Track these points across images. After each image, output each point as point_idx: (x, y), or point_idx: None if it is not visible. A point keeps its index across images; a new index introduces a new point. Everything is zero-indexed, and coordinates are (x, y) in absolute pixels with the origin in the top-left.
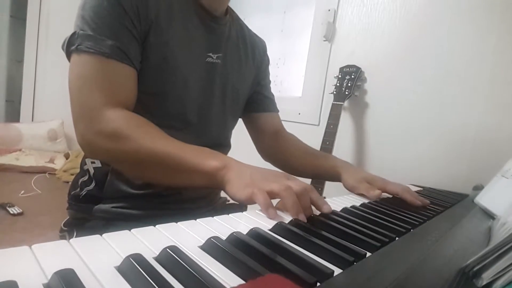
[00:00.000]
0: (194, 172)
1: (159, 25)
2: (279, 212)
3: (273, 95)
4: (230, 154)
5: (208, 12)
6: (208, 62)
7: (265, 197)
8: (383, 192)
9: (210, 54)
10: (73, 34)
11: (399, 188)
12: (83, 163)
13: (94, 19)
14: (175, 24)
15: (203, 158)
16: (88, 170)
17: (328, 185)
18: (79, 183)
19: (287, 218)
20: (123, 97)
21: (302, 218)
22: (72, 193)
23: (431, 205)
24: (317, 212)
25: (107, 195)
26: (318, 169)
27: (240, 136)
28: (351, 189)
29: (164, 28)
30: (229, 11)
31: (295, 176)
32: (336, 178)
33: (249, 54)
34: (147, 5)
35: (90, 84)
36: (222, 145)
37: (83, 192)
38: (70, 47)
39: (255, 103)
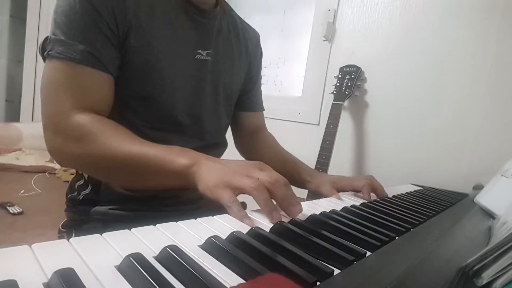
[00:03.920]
0: (164, 172)
1: (139, 26)
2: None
3: (261, 92)
4: (227, 152)
5: (195, 6)
6: (197, 60)
7: (229, 195)
8: (352, 190)
9: (199, 50)
10: (46, 39)
11: (363, 182)
12: None
13: (66, 23)
14: (157, 23)
15: (172, 157)
16: (82, 174)
17: None
18: (76, 186)
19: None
20: (94, 103)
21: (277, 216)
22: (69, 196)
23: (431, 204)
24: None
25: (103, 198)
26: (285, 174)
27: None
28: (314, 191)
29: (145, 28)
30: (220, 3)
31: (269, 166)
32: (300, 184)
33: (242, 48)
34: (124, 6)
35: (58, 90)
36: (218, 144)
37: (81, 196)
38: (43, 52)
39: (243, 101)
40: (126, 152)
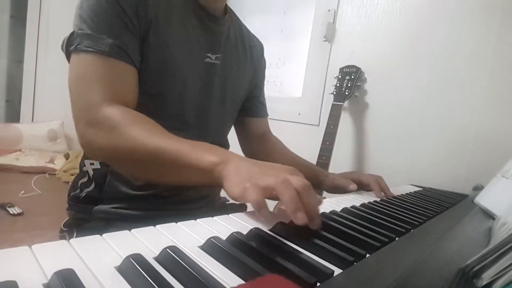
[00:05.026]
0: (191, 168)
1: (158, 25)
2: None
3: (265, 99)
4: None
5: (206, 12)
6: (207, 63)
7: (257, 194)
8: (358, 184)
9: (209, 54)
10: (72, 33)
11: (371, 178)
12: (82, 165)
13: (92, 18)
14: (174, 24)
15: (201, 154)
16: (87, 171)
17: None
18: (79, 184)
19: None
20: (123, 95)
21: (302, 217)
22: (72, 194)
23: (431, 205)
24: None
25: (106, 196)
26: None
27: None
28: (330, 185)
29: (163, 28)
30: (228, 11)
31: (300, 173)
32: (317, 185)
33: (247, 56)
34: (146, 5)
35: (89, 83)
36: (221, 145)
37: (83, 194)
38: (69, 47)
39: (249, 107)
40: (154, 145)
